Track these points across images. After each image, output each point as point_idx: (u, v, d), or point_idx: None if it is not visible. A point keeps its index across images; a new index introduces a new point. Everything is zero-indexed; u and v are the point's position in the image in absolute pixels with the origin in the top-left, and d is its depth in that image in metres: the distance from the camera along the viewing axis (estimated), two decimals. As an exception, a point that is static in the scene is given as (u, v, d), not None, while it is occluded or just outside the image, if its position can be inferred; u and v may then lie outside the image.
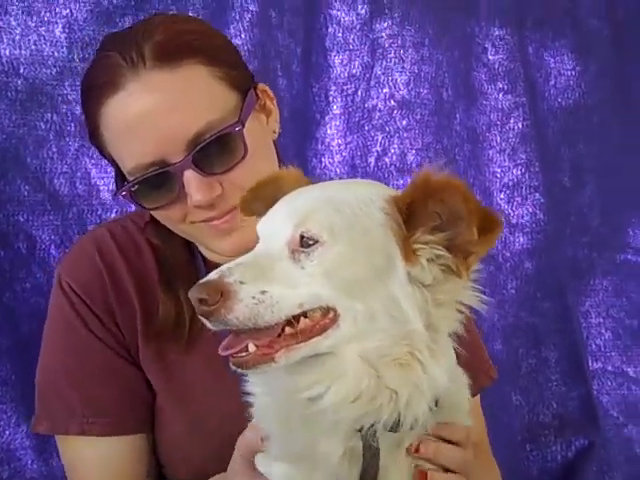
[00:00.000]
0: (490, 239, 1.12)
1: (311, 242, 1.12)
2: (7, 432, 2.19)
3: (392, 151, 2.44)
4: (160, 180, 1.49)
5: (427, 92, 2.45)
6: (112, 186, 2.14)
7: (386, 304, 1.13)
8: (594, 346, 2.64)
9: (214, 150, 1.48)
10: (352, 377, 1.13)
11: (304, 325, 1.11)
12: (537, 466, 2.53)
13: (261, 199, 1.32)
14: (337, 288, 1.11)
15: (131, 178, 1.51)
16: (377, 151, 2.43)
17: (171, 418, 1.66)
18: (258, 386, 1.24)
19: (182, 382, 1.65)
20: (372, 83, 2.43)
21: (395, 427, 1.16)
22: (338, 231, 1.13)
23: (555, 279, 2.59)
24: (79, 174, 2.20)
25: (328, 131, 2.43)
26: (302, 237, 1.13)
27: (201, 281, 1.10)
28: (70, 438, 1.65)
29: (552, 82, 2.62)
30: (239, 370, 1.13)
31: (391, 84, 2.43)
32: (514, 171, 2.54)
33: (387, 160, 2.43)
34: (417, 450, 1.22)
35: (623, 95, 2.69)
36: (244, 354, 1.12)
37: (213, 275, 1.10)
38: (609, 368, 2.63)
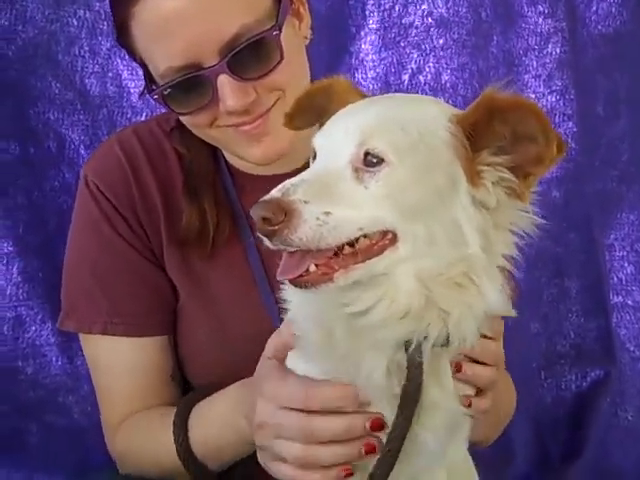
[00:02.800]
0: (557, 159, 1.09)
1: (375, 161, 1.08)
2: (33, 328, 2.21)
3: (427, 70, 2.38)
4: (193, 84, 1.46)
5: (466, 11, 2.38)
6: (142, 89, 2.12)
7: (447, 227, 1.11)
8: (616, 279, 2.61)
9: (249, 54, 1.44)
10: (404, 294, 1.11)
11: (363, 245, 1.09)
12: (551, 394, 2.54)
13: (309, 111, 1.27)
14: (400, 211, 1.08)
15: (163, 81, 1.48)
16: (412, 69, 2.38)
17: (194, 322, 1.66)
18: (297, 295, 1.22)
19: (205, 288, 1.65)
20: (410, -1, 2.37)
21: (442, 344, 1.15)
22: (404, 151, 1.09)
23: (582, 210, 2.56)
24: (110, 74, 2.18)
25: (363, 46, 2.38)
26: (366, 155, 1.09)
27: (264, 198, 1.06)
28: (94, 337, 1.67)
29: (594, 8, 2.55)
30: (297, 288, 1.10)
31: (429, 1, 2.37)
32: (549, 97, 2.48)
33: (421, 79, 2.38)
34: (459, 370, 1.22)
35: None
36: (304, 274, 1.09)
37: (276, 192, 1.06)
38: (629, 302, 2.61)
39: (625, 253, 2.63)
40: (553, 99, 2.49)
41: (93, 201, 1.65)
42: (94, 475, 1.68)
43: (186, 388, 1.72)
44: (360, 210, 1.07)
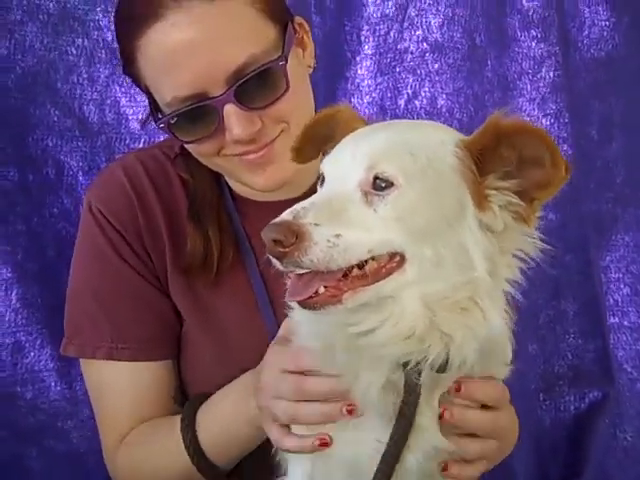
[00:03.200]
0: (562, 183, 1.11)
1: (384, 185, 1.10)
2: (32, 354, 2.21)
3: (422, 94, 2.40)
4: (199, 113, 1.48)
5: (460, 36, 2.40)
6: (141, 115, 2.14)
7: (454, 250, 1.13)
8: (612, 301, 2.62)
9: (256, 84, 1.46)
10: (409, 317, 1.13)
11: (371, 268, 1.11)
12: (550, 416, 2.54)
13: (314, 141, 1.30)
14: (409, 234, 1.11)
15: (169, 110, 1.50)
16: (407, 93, 2.40)
17: (199, 348, 1.68)
18: (301, 315, 1.24)
19: (210, 314, 1.67)
20: (405, 25, 2.39)
21: (442, 368, 1.16)
22: (413, 175, 1.11)
23: (578, 233, 2.57)
24: (109, 102, 2.19)
25: (359, 71, 2.40)
26: (375, 179, 1.11)
27: (275, 221, 1.08)
28: (97, 362, 1.67)
29: (585, 32, 2.58)
30: (306, 310, 1.13)
31: (424, 26, 2.39)
32: (543, 121, 2.50)
33: (417, 103, 2.40)
34: (458, 390, 1.23)
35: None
36: (313, 295, 1.11)
37: (287, 215, 1.08)
38: (625, 323, 2.62)
39: (621, 275, 2.64)
40: (547, 122, 2.51)
41: (97, 227, 1.66)
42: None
43: None
44: (370, 233, 1.10)
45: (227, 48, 1.45)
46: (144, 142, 2.20)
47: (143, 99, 2.11)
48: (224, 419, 1.53)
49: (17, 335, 2.22)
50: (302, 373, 1.28)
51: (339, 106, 1.31)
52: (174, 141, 1.67)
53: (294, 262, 1.07)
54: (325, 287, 1.10)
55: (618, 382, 2.56)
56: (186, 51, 1.44)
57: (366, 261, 1.10)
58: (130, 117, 2.19)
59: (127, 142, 2.21)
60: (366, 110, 2.41)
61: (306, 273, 1.11)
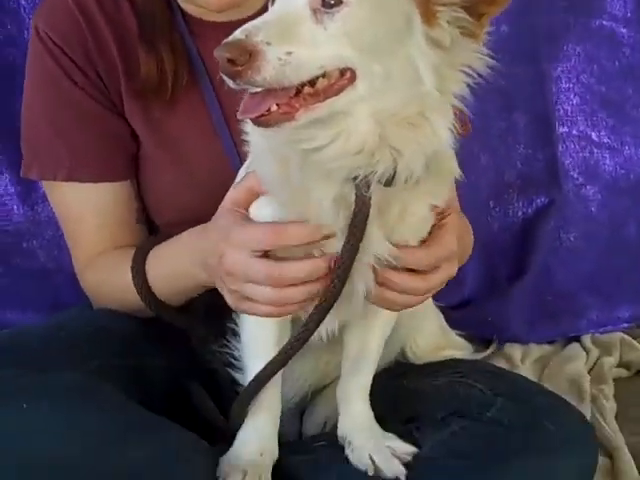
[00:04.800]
0: None
1: (333, 2, 1.11)
2: (-9, 180, 2.24)
3: None
4: None
5: None
6: None
7: (403, 65, 1.16)
8: (562, 111, 2.67)
9: None
10: (359, 133, 1.17)
11: (322, 85, 1.13)
12: (499, 222, 2.65)
13: None
14: (358, 49, 1.12)
15: None
16: None
17: (159, 168, 1.71)
18: (256, 133, 1.27)
19: (168, 136, 1.69)
20: None
21: (389, 182, 1.22)
22: None
23: (529, 44, 2.58)
24: None
25: None
26: None
27: (228, 40, 1.09)
28: (59, 185, 1.70)
29: None
30: (259, 127, 1.15)
31: None
32: None
33: None
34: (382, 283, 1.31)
35: None
36: (265, 113, 1.13)
37: (239, 34, 1.09)
38: (574, 132, 2.69)
39: (571, 85, 2.67)
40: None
41: (48, 54, 1.64)
42: (67, 310, 1.75)
43: (153, 231, 1.79)
44: (320, 49, 1.12)
45: None
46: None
47: None
48: (169, 273, 1.55)
49: (-26, 161, 2.24)
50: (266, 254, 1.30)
51: None
52: None
53: (247, 81, 1.09)
54: (277, 105, 1.13)
55: (564, 188, 2.66)
56: None
57: (317, 79, 1.13)
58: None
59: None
60: None
61: (259, 92, 1.14)
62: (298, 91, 1.13)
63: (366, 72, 1.15)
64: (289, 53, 1.09)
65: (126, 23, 1.67)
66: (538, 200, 2.66)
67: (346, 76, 1.15)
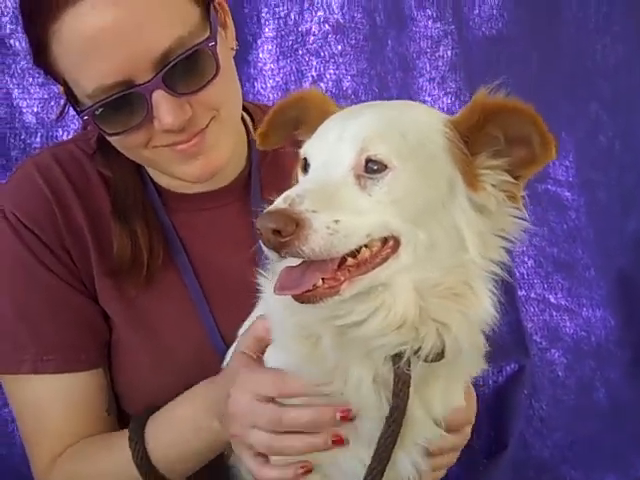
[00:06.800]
0: (549, 160, 1.09)
1: (376, 167, 1.06)
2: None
3: (328, 77, 2.36)
4: (126, 102, 1.36)
5: (361, 17, 2.37)
6: (36, 108, 1.99)
7: (447, 232, 1.10)
8: (518, 274, 2.68)
9: (185, 68, 1.36)
10: (400, 306, 1.09)
11: (365, 255, 1.06)
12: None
13: (282, 126, 1.25)
14: (404, 217, 1.07)
15: (92, 101, 1.36)
16: (312, 76, 2.35)
17: (134, 350, 1.58)
18: (278, 304, 1.17)
19: (143, 317, 1.57)
20: (305, 5, 2.33)
21: (436, 358, 1.12)
22: (405, 156, 1.07)
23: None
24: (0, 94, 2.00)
25: (260, 55, 2.33)
26: (368, 162, 1.06)
27: (271, 209, 1.01)
28: (22, 378, 1.54)
29: (477, 11, 2.60)
30: (303, 304, 1.06)
31: (325, 7, 2.34)
32: (444, 99, 2.51)
33: (323, 86, 2.35)
34: None
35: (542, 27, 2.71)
36: (311, 288, 1.05)
37: (282, 203, 1.02)
38: (532, 295, 2.69)
39: (525, 248, 2.68)
40: (448, 101, 2.52)
41: (14, 234, 1.52)
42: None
43: (122, 421, 1.63)
44: (366, 217, 1.05)
45: (151, 32, 1.33)
46: (41, 136, 2.04)
47: (38, 90, 1.95)
48: (177, 436, 1.44)
49: None
50: (273, 400, 1.23)
51: (308, 90, 1.27)
52: (89, 135, 1.57)
53: (294, 252, 1.01)
54: (322, 279, 1.05)
55: (531, 353, 2.60)
56: (109, 36, 1.31)
57: (358, 250, 1.06)
58: (24, 110, 2.01)
59: (22, 137, 2.04)
60: (270, 95, 2.34)
61: (299, 265, 1.06)
62: (340, 262, 1.05)
63: (410, 240, 1.09)
64: (337, 221, 1.02)
65: (96, 198, 1.58)
66: (508, 367, 2.60)
67: (389, 244, 1.08)
